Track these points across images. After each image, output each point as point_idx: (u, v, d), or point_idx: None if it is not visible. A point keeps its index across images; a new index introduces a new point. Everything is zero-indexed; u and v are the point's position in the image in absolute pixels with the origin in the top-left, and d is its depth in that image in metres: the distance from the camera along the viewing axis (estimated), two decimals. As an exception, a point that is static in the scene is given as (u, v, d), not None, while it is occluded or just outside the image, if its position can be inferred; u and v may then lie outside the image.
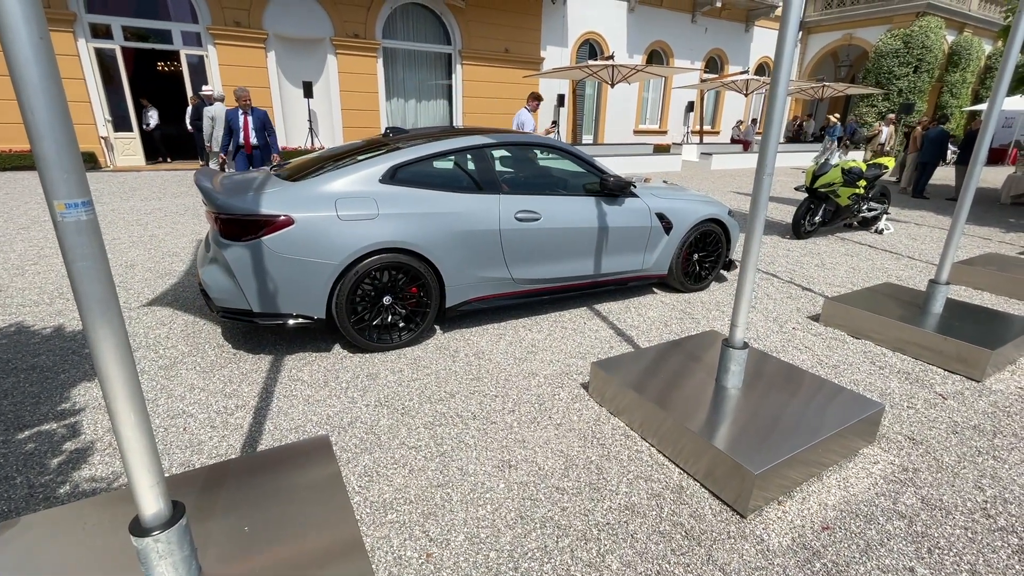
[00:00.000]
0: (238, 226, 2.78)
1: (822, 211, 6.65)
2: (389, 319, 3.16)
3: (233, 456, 2.22)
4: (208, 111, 8.06)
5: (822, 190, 6.49)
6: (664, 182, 4.71)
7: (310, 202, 2.89)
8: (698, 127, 19.23)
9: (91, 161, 11.01)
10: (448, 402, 2.70)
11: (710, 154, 15.49)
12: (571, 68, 12.65)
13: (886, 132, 12.75)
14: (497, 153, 3.66)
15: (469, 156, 3.44)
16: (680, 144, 17.47)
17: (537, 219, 3.48)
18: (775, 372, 2.68)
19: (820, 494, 2.11)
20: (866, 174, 6.68)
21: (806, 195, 6.70)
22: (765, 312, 4.13)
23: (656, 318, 3.92)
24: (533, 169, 4.21)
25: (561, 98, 15.97)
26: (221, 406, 2.60)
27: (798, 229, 6.60)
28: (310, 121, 12.84)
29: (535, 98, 7.71)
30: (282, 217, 2.79)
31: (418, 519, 1.92)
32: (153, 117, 12.23)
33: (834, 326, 3.83)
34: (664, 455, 2.32)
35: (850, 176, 6.44)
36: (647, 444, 2.40)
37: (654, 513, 1.99)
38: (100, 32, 10.79)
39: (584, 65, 12.58)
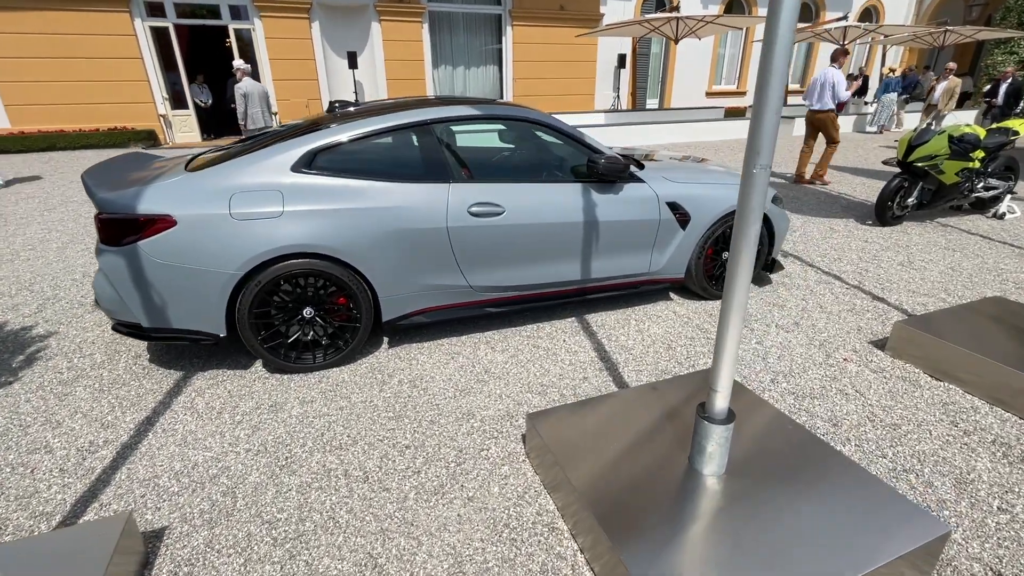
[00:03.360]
0: (117, 227, 2.34)
1: (918, 190, 5.27)
2: (310, 335, 2.65)
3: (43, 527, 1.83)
4: (239, 87, 7.75)
5: (920, 164, 5.12)
6: (687, 158, 3.76)
7: (200, 198, 2.39)
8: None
9: (151, 139, 11.46)
10: (345, 452, 2.15)
11: (792, 118, 13.47)
12: (628, 24, 11.28)
13: (940, 88, 10.15)
14: (457, 130, 2.97)
15: (413, 135, 2.78)
16: (760, 106, 15.39)
17: (500, 213, 2.78)
18: (784, 445, 1.86)
19: (817, 676, 1.35)
20: (984, 142, 5.19)
21: (898, 170, 5.35)
22: (811, 332, 3.17)
23: (659, 336, 3.11)
24: (504, 151, 3.45)
25: (622, 59, 14.54)
26: (89, 440, 2.23)
27: (883, 213, 5.29)
28: (356, 93, 12.57)
29: (844, 53, 6.79)
30: (162, 216, 2.32)
31: (212, 651, 1.41)
32: (204, 92, 12.36)
33: (906, 359, 2.83)
34: (593, 572, 1.64)
35: (961, 145, 5.01)
36: (575, 546, 1.72)
37: None
38: (154, 10, 11.03)
39: (642, 20, 11.18)
